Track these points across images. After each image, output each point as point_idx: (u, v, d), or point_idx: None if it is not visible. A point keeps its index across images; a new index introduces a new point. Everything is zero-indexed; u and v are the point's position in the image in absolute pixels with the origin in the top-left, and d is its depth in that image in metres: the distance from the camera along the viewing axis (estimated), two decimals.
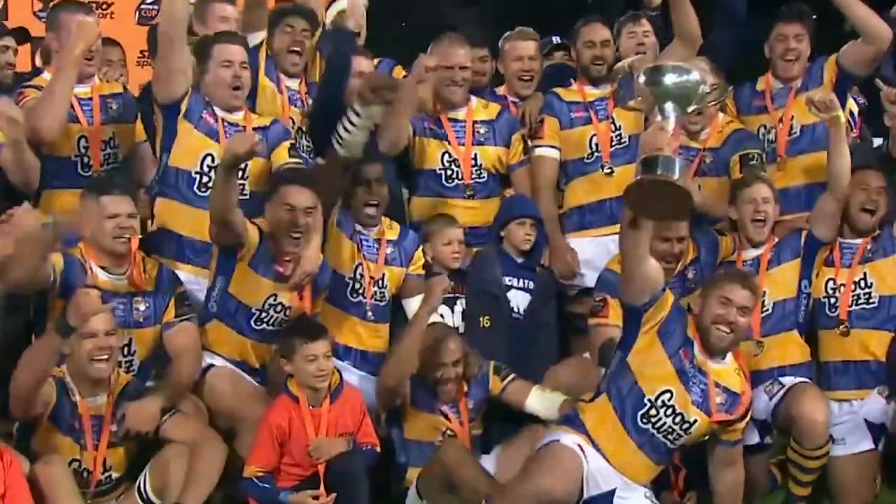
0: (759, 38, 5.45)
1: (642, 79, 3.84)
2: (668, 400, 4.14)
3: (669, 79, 3.80)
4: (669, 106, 3.80)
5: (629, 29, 5.54)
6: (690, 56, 4.91)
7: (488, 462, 4.56)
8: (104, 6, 7.36)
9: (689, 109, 3.91)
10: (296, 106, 5.17)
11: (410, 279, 5.01)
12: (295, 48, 5.11)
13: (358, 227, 4.95)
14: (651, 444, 4.18)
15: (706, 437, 4.30)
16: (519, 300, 5.05)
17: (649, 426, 4.16)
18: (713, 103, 4.83)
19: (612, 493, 4.16)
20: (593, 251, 5.23)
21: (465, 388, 4.70)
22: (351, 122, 4.67)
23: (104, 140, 4.89)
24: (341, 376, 4.55)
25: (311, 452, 4.37)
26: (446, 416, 4.66)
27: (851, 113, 5.87)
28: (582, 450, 4.15)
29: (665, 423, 4.16)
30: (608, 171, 5.22)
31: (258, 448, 4.37)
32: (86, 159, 4.83)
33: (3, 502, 3.93)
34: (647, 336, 4.16)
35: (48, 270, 4.27)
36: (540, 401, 4.67)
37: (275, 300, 4.62)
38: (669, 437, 4.18)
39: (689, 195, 3.83)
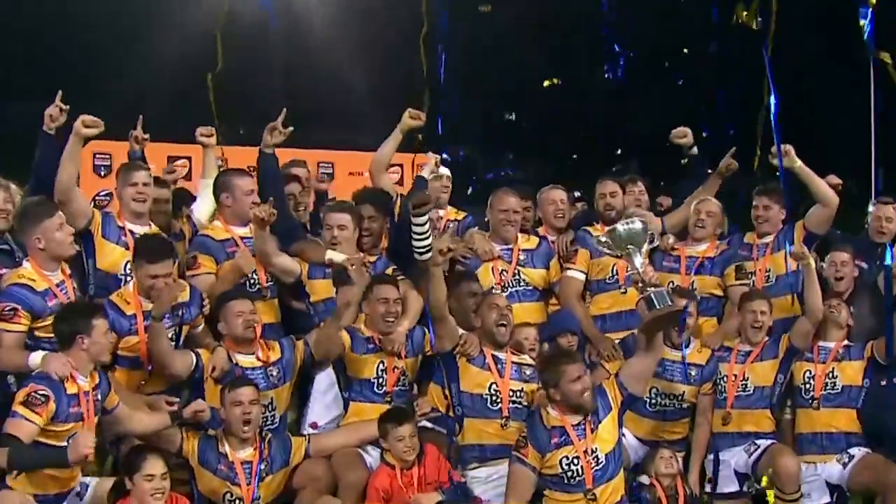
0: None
1: (603, 237, 5.69)
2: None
3: (621, 228, 5.65)
4: (631, 248, 5.55)
5: (629, 188, 7.04)
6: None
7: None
8: None
9: (644, 248, 5.62)
10: None
11: None
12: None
13: None
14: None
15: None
16: None
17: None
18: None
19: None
20: None
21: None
22: (415, 232, 6.08)
23: None
24: (421, 443, 5.78)
25: None
26: (490, 370, 6.03)
27: None
28: None
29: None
30: (623, 291, 6.62)
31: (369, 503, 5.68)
32: None
33: None
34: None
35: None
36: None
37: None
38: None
39: (679, 310, 5.64)
